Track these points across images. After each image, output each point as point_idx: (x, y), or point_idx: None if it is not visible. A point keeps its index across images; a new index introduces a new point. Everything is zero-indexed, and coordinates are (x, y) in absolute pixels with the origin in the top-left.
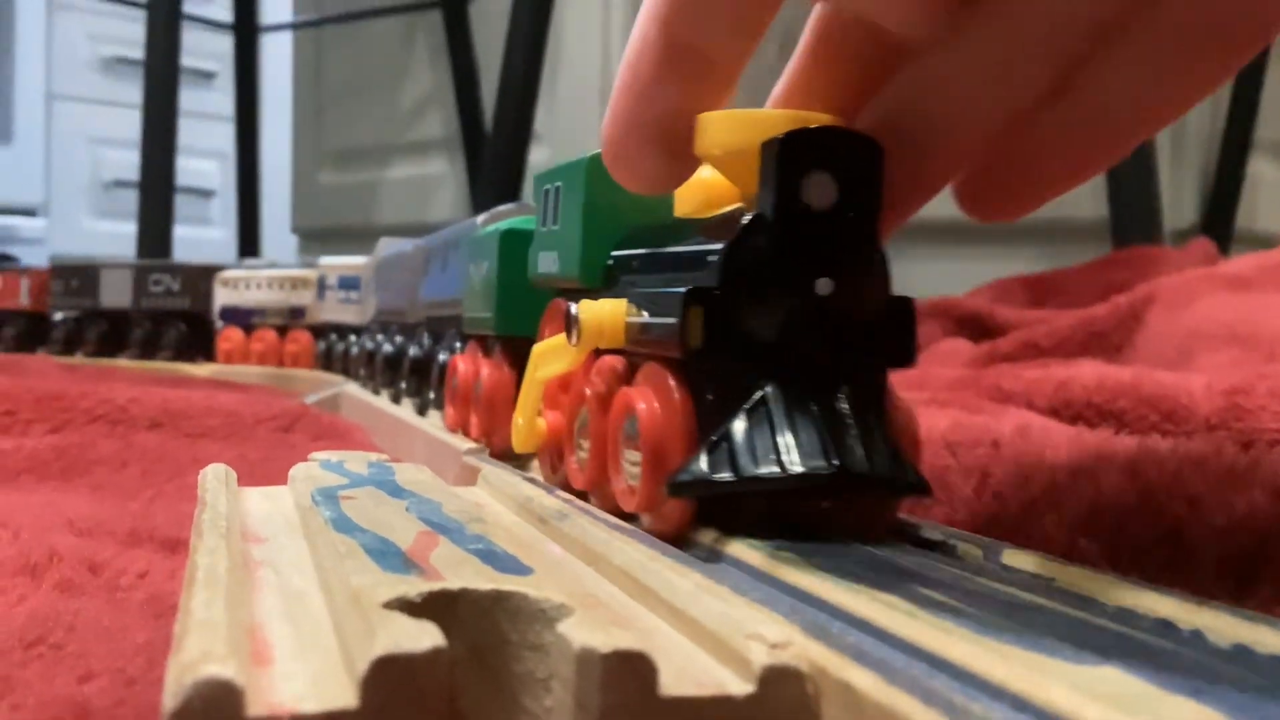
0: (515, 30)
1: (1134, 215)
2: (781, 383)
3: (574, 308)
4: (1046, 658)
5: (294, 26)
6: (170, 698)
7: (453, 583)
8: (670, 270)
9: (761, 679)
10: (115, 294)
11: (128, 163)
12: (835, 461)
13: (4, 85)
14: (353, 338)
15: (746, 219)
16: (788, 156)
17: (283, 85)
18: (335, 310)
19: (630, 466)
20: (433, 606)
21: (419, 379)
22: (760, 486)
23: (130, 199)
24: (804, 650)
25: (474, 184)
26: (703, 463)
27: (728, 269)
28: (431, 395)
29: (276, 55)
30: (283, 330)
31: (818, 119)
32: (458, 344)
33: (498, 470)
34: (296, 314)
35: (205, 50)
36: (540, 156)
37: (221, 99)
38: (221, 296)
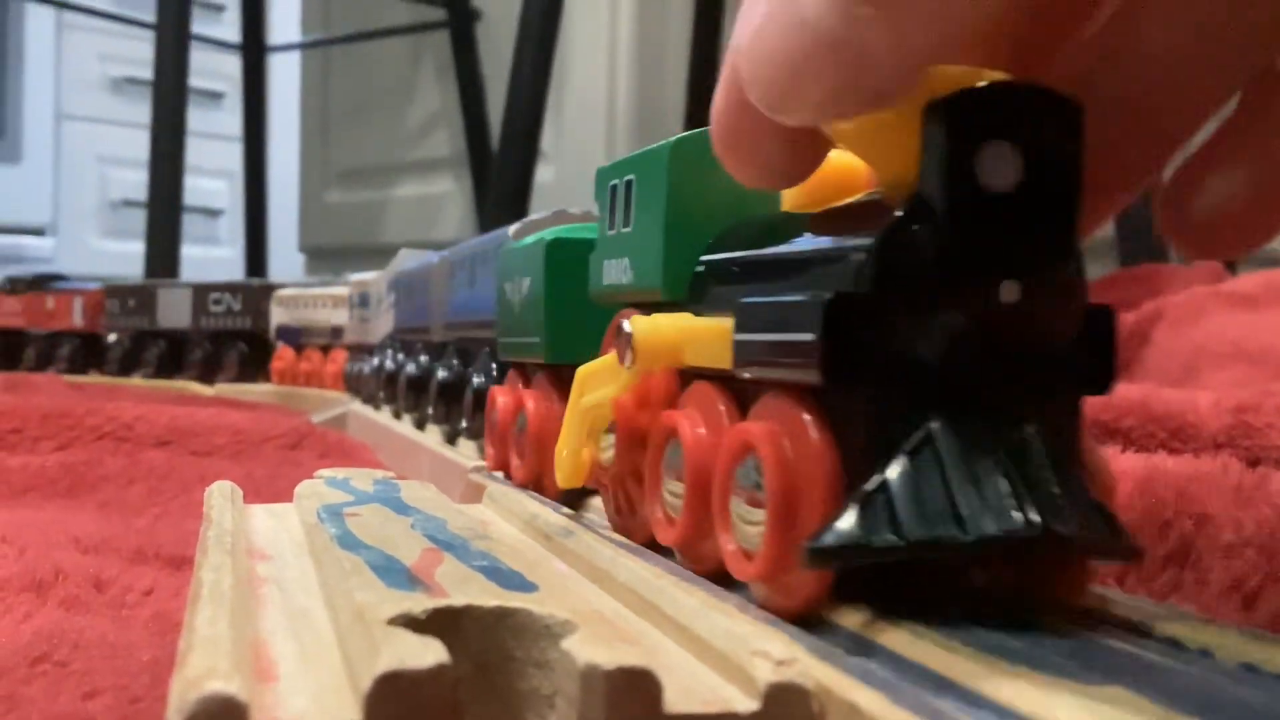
0: (522, 49)
1: (1141, 233)
2: (952, 416)
3: (627, 323)
4: (1053, 676)
5: (302, 47)
6: (174, 714)
7: (457, 599)
8: (791, 275)
9: (767, 696)
10: (173, 314)
11: (136, 182)
12: (1035, 519)
13: (13, 105)
14: (368, 356)
15: (899, 208)
16: (958, 122)
17: (290, 105)
18: (359, 329)
19: (746, 524)
20: (437, 623)
21: (447, 404)
22: (934, 553)
23: (138, 218)
24: (809, 669)
25: (480, 203)
26: (853, 522)
27: (880, 270)
28: (464, 424)
29: (284, 75)
30: (326, 349)
31: (994, 75)
32: (493, 366)
33: (503, 487)
34: (336, 333)
35: (214, 70)
36: (546, 175)
37: (229, 119)
38: (276, 315)
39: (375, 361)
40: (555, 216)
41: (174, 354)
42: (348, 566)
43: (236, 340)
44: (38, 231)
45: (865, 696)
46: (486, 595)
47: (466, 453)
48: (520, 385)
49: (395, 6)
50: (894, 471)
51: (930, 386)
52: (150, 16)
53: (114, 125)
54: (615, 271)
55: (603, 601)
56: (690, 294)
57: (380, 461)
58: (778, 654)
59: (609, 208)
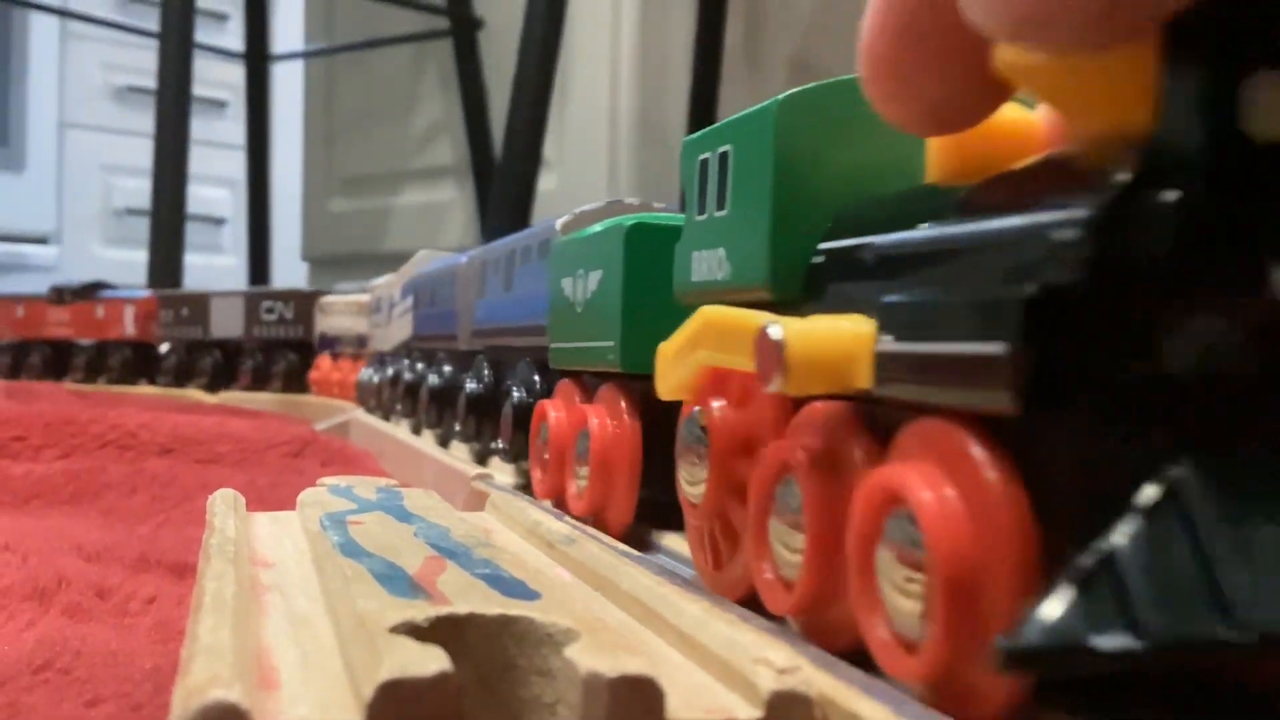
0: (525, 58)
1: None
2: (1208, 458)
3: (775, 328)
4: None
5: (305, 55)
6: None
7: (460, 607)
8: (958, 264)
9: (769, 704)
10: (226, 323)
11: (139, 190)
12: None
13: (17, 113)
14: (380, 365)
15: (1122, 168)
16: (1214, 46)
17: (293, 113)
18: (374, 336)
19: (903, 599)
20: (440, 631)
21: (478, 420)
22: (1189, 657)
23: (142, 226)
24: (813, 679)
25: (483, 211)
26: (1065, 611)
27: (1102, 253)
28: (501, 445)
29: (287, 84)
30: (356, 358)
31: None
32: (536, 378)
33: (506, 495)
34: (362, 341)
35: (217, 79)
36: (549, 183)
37: (233, 127)
38: (319, 324)
39: (390, 371)
40: (609, 207)
41: (228, 364)
42: (350, 574)
43: (286, 350)
44: (41, 240)
45: (869, 708)
46: (489, 603)
47: (462, 455)
48: (578, 399)
49: (398, 15)
50: (1123, 537)
51: (1174, 416)
52: (154, 25)
53: (117, 134)
54: (707, 265)
55: (605, 609)
56: (805, 291)
57: (383, 469)
58: (780, 662)
59: (698, 187)
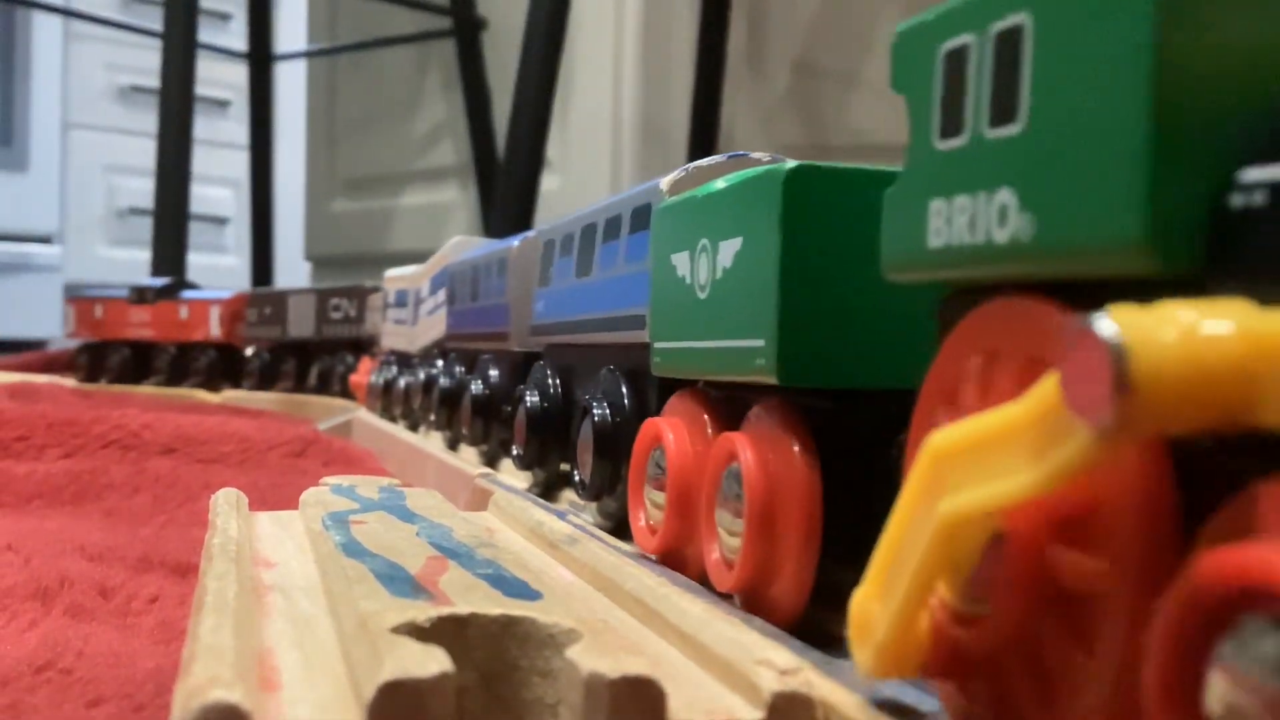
0: (527, 58)
1: None
2: None
3: (1105, 321)
4: None
5: (308, 55)
6: None
7: (462, 608)
8: None
9: (771, 705)
10: (301, 323)
11: (143, 190)
12: None
13: (20, 114)
14: (403, 367)
15: None
16: None
17: (296, 113)
18: (394, 335)
19: None
20: (441, 632)
21: (542, 441)
22: None
23: (145, 226)
24: (814, 681)
25: (486, 211)
26: None
27: None
28: (576, 476)
29: (291, 84)
30: None
31: None
32: (623, 389)
33: (509, 495)
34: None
35: (220, 79)
36: (552, 184)
37: (236, 127)
38: (369, 321)
39: (421, 376)
40: (735, 161)
41: (301, 365)
42: (352, 574)
43: (344, 350)
44: (45, 239)
45: (870, 715)
46: (491, 604)
47: (469, 458)
48: (709, 422)
49: (401, 15)
50: None
51: None
52: (157, 25)
53: (121, 134)
54: (967, 220)
55: (607, 610)
56: (1213, 257)
57: (385, 469)
58: (782, 663)
59: (942, 96)
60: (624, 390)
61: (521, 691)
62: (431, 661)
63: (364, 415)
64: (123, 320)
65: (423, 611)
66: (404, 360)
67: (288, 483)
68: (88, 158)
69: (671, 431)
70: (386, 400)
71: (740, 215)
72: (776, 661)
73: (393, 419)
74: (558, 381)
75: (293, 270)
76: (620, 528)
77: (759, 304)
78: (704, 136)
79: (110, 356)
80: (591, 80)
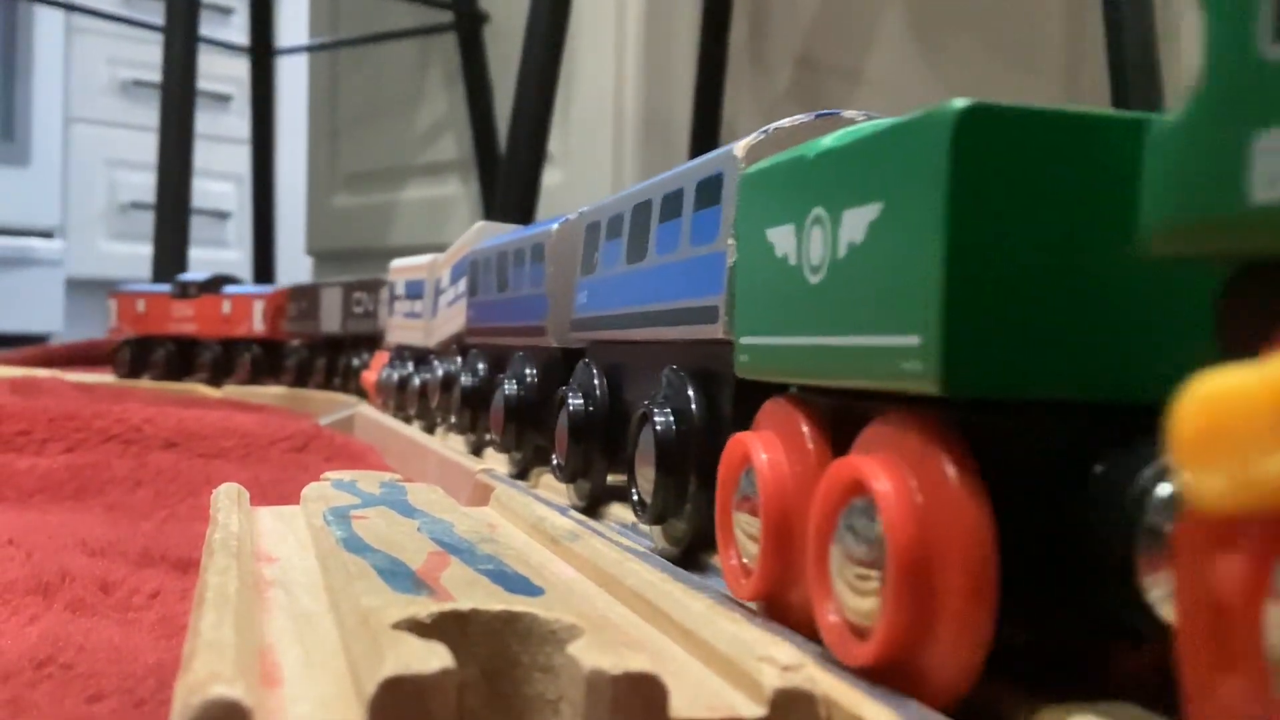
0: (529, 53)
1: None
2: None
3: None
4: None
5: (309, 49)
6: (177, 718)
7: (463, 604)
8: None
9: (773, 702)
10: (331, 317)
11: (144, 185)
12: None
13: (22, 108)
14: (419, 364)
15: None
16: None
17: (298, 108)
18: (403, 329)
19: None
20: (443, 627)
21: (585, 452)
22: None
23: (147, 221)
24: (816, 677)
25: (488, 206)
26: None
27: None
28: (636, 494)
29: (292, 78)
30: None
31: None
32: (690, 394)
33: (510, 490)
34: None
35: (221, 73)
36: (554, 179)
37: (237, 122)
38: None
39: (440, 373)
40: (826, 121)
41: (331, 361)
42: (353, 570)
43: (364, 345)
44: (46, 234)
45: (874, 711)
46: (492, 599)
47: (445, 440)
48: (810, 436)
49: (403, 10)
50: None
51: None
52: (158, 19)
53: (122, 128)
54: None
55: (609, 606)
56: None
57: (387, 464)
58: (784, 660)
59: None
60: (691, 394)
61: (523, 688)
62: (433, 657)
63: (366, 410)
64: (165, 315)
65: (424, 607)
66: (419, 356)
67: (289, 478)
68: (89, 152)
69: (765, 450)
70: (400, 398)
71: (879, 175)
72: (779, 658)
73: (406, 419)
74: (605, 383)
75: (294, 265)
76: (688, 557)
77: (910, 290)
78: (706, 131)
79: (155, 352)
80: (593, 75)
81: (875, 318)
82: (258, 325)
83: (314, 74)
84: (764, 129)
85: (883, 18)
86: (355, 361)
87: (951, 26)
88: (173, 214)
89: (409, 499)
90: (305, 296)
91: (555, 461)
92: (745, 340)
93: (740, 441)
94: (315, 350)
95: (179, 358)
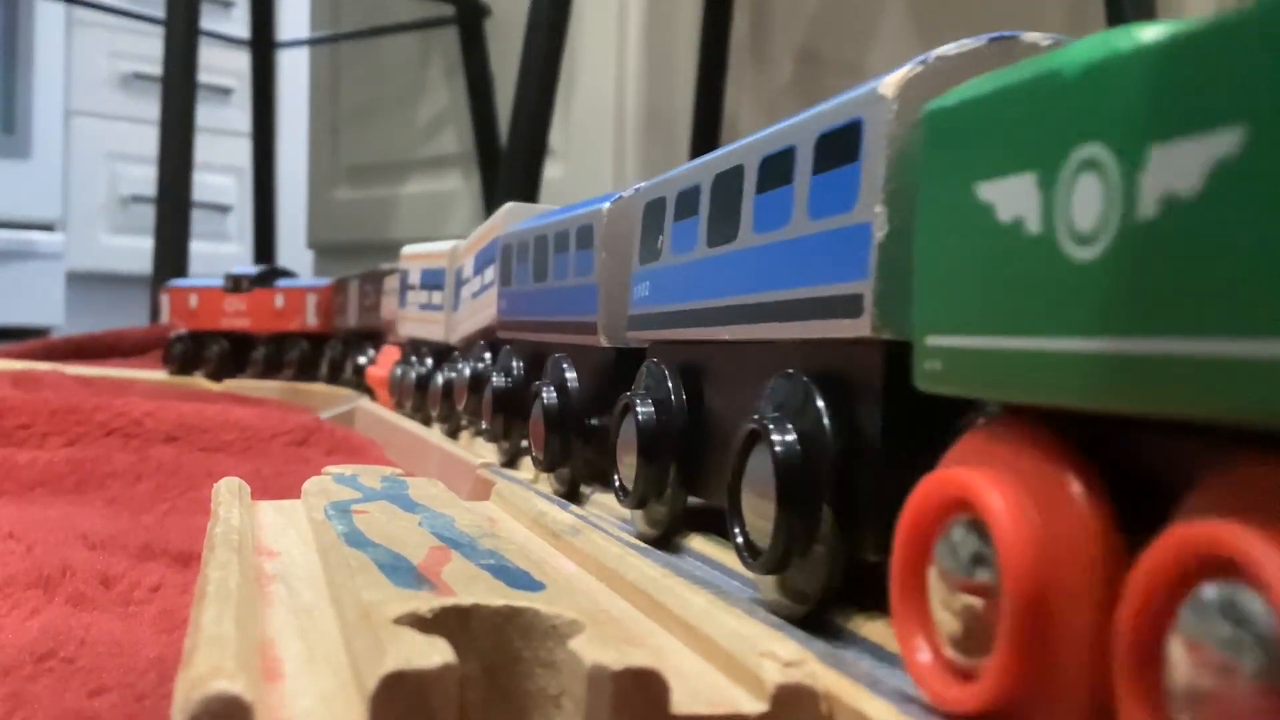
0: (530, 46)
1: None
2: None
3: None
4: None
5: (311, 43)
6: (179, 713)
7: (464, 599)
8: None
9: (774, 698)
10: (352, 311)
11: (145, 178)
12: None
13: (23, 101)
14: (454, 362)
15: None
16: None
17: (299, 101)
18: (419, 322)
19: None
20: (444, 622)
21: (660, 471)
22: None
23: (148, 214)
24: (818, 673)
25: (489, 200)
26: None
27: None
28: (741, 535)
29: (293, 71)
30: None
31: None
32: (819, 409)
33: (512, 485)
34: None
35: (222, 66)
36: (555, 172)
37: (238, 115)
38: (384, 308)
39: (466, 371)
40: (1003, 44)
41: (344, 355)
42: (354, 564)
43: (368, 340)
44: (47, 227)
45: (874, 706)
46: (494, 594)
47: (470, 447)
48: (1077, 484)
49: (404, 3)
50: None
51: None
52: (159, 12)
53: (123, 121)
54: None
55: (611, 601)
56: None
57: (388, 458)
58: (786, 655)
59: None
60: (822, 408)
61: (524, 683)
62: (434, 652)
63: (367, 404)
64: (218, 310)
65: (425, 602)
66: (438, 352)
67: (290, 471)
68: (90, 145)
69: (1003, 498)
70: (419, 399)
71: (1234, 88)
72: (780, 653)
73: (425, 421)
74: (681, 388)
75: (295, 259)
76: (816, 617)
77: None
78: (707, 125)
79: (210, 348)
80: (595, 68)
81: (1229, 312)
82: (310, 320)
83: (315, 67)
84: (920, 58)
85: (884, 12)
86: (362, 359)
87: (952, 21)
88: (173, 207)
89: (410, 493)
90: (341, 290)
91: (617, 483)
92: (935, 342)
93: (952, 483)
94: (349, 344)
95: (233, 353)
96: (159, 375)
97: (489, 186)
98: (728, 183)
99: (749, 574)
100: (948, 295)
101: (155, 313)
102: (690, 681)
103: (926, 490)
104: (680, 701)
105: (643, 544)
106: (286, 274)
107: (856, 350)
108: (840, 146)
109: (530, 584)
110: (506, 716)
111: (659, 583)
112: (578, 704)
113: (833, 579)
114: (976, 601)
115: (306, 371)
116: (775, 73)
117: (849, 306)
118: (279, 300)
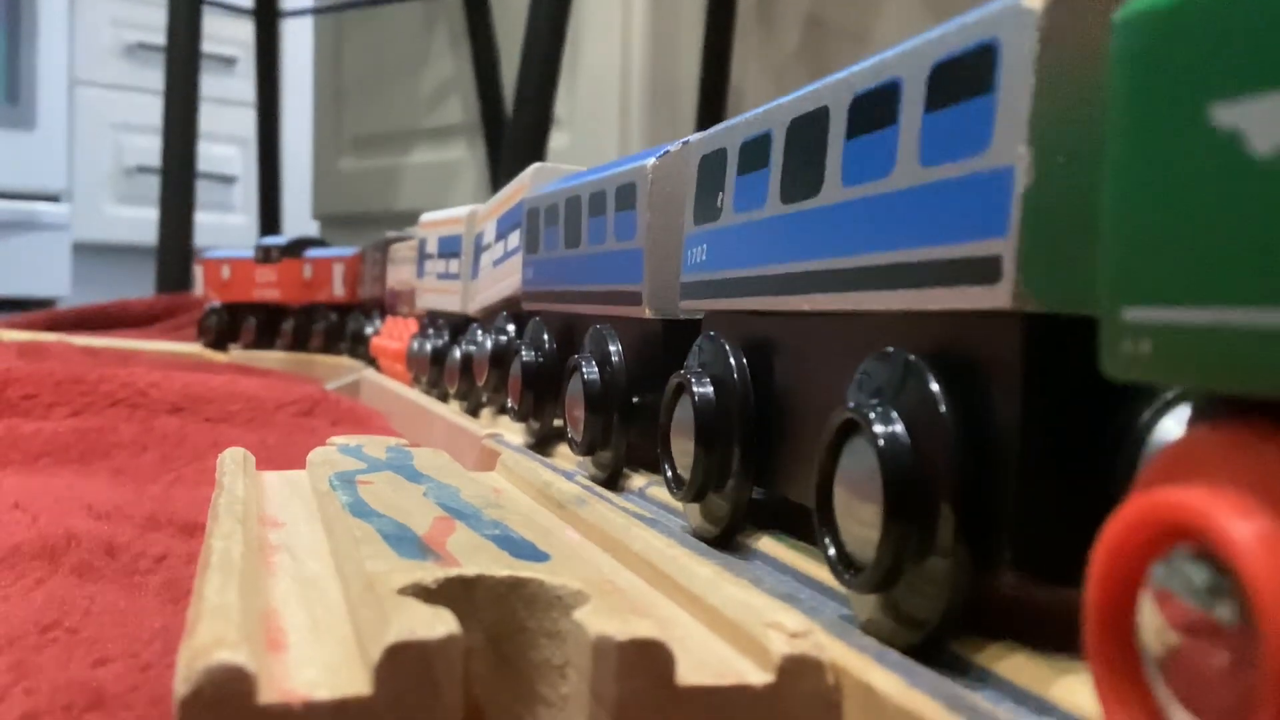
0: (536, 15)
1: None
2: None
3: None
4: (1075, 660)
5: (315, 12)
6: (182, 683)
7: (469, 569)
8: None
9: (780, 669)
10: (370, 282)
11: (150, 148)
12: None
13: (27, 71)
14: (473, 335)
15: None
16: None
17: (304, 71)
18: (438, 291)
19: None
20: (448, 593)
21: (723, 460)
22: None
23: (153, 184)
24: (824, 644)
25: (494, 169)
26: None
27: None
28: (833, 544)
29: (297, 41)
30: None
31: None
32: (933, 395)
33: (517, 455)
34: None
35: (227, 36)
36: (561, 142)
37: (243, 85)
38: (391, 277)
39: (488, 345)
40: None
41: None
42: (359, 535)
43: (375, 309)
44: (53, 198)
45: (881, 678)
46: (498, 565)
47: (493, 426)
48: None
49: None
50: None
51: None
52: None
53: (128, 91)
54: None
55: (616, 572)
56: None
57: (393, 429)
58: (792, 626)
59: None
60: (938, 395)
61: (529, 653)
62: (438, 623)
63: (372, 375)
64: (250, 281)
65: (430, 573)
66: (456, 324)
67: (295, 442)
68: (95, 115)
69: (1260, 532)
70: (435, 374)
71: None
72: (786, 624)
73: (443, 397)
74: (745, 366)
75: (300, 229)
76: (929, 651)
77: None
78: (714, 94)
79: (245, 319)
80: (600, 37)
81: None
82: (338, 290)
83: (319, 36)
84: None
85: None
86: (369, 329)
87: None
88: (178, 177)
89: (415, 464)
90: (362, 261)
91: (669, 473)
92: (1141, 315)
93: (1178, 508)
94: (367, 315)
95: (268, 325)
96: (164, 345)
97: (494, 156)
98: (806, 128)
99: (842, 589)
100: (1165, 255)
101: (188, 283)
102: (696, 652)
103: (1130, 514)
104: (686, 672)
105: (644, 513)
106: (318, 243)
107: (985, 324)
108: (965, 76)
109: (535, 554)
110: (511, 686)
111: (664, 554)
112: (582, 674)
113: (954, 601)
114: (1215, 655)
115: (333, 343)
116: (783, 40)
117: (980, 271)
118: (307, 270)
